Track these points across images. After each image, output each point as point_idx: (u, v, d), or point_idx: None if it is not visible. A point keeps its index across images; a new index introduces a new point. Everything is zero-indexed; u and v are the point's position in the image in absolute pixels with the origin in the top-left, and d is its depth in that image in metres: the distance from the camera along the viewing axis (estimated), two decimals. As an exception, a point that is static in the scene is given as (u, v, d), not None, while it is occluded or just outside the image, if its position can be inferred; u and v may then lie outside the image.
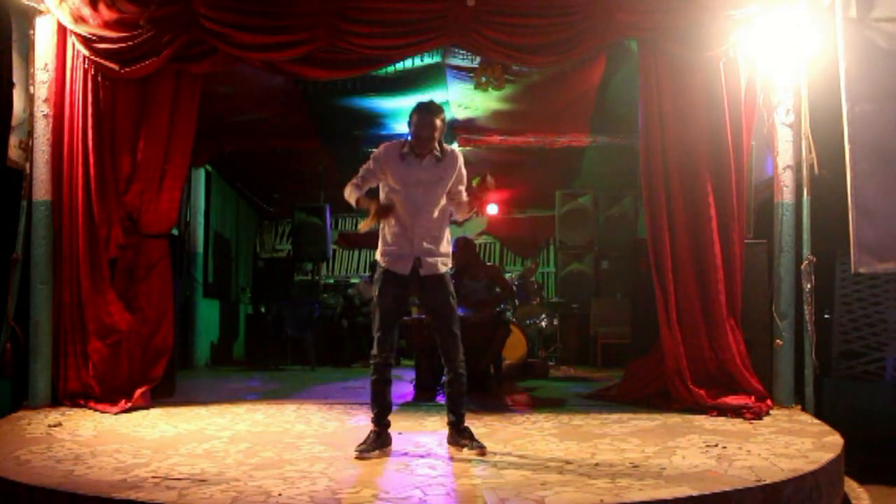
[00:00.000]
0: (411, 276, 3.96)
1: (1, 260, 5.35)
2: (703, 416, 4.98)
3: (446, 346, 3.99)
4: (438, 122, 3.95)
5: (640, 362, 5.78)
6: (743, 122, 5.39)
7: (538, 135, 8.85)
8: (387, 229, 4.03)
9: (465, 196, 4.10)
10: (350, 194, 4.06)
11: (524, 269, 10.63)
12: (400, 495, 3.04)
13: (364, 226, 3.98)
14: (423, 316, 6.02)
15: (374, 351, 3.96)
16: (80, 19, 5.34)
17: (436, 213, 4.00)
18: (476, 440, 3.93)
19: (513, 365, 7.48)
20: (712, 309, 5.25)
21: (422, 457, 3.83)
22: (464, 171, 4.10)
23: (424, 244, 3.95)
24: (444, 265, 4.03)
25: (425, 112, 3.95)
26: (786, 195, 5.40)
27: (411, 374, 6.83)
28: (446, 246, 4.06)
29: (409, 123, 3.99)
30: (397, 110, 7.96)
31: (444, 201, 4.03)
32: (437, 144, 3.98)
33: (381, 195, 4.06)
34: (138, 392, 5.25)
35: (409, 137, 4.00)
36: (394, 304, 4.02)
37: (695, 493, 3.02)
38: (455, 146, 8.98)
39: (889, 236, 4.86)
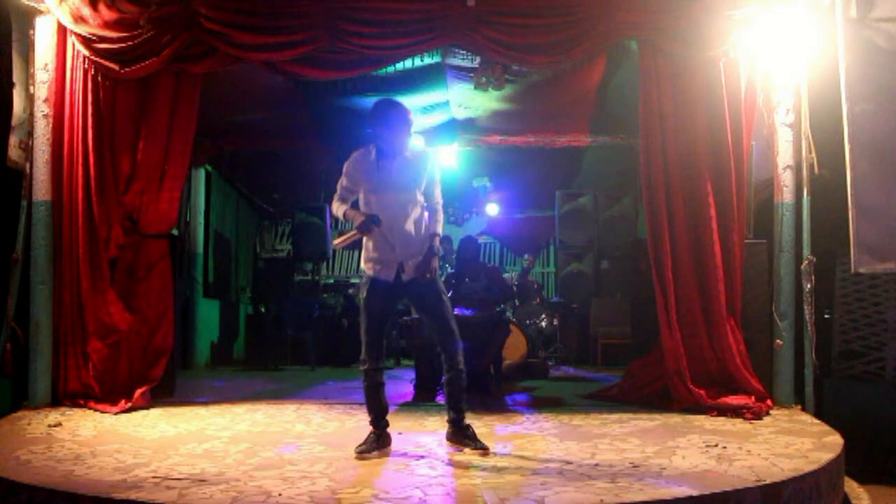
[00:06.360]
0: (395, 283, 3.93)
1: (1, 260, 5.35)
2: (703, 416, 4.98)
3: (444, 343, 3.97)
4: (411, 119, 3.95)
5: (640, 362, 5.78)
6: (743, 122, 5.39)
7: (538, 135, 8.83)
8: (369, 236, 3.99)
9: (438, 199, 4.05)
10: (338, 209, 4.02)
11: (522, 262, 10.61)
12: (400, 495, 3.04)
13: (340, 242, 3.87)
14: (423, 316, 6.02)
15: (363, 357, 3.94)
16: (80, 19, 5.34)
17: (414, 215, 3.95)
18: (479, 440, 3.92)
19: (513, 365, 7.47)
20: (712, 309, 5.25)
21: (422, 457, 3.82)
22: (437, 171, 4.06)
23: (406, 248, 3.91)
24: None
25: (395, 111, 3.91)
26: (786, 195, 5.40)
27: (411, 374, 6.83)
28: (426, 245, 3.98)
29: (379, 124, 3.89)
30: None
31: (421, 201, 3.99)
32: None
33: (361, 202, 4.00)
34: (138, 392, 5.26)
35: (380, 139, 3.91)
36: (381, 310, 3.98)
37: (695, 493, 3.02)
38: (454, 146, 9.01)
39: (889, 236, 4.86)
